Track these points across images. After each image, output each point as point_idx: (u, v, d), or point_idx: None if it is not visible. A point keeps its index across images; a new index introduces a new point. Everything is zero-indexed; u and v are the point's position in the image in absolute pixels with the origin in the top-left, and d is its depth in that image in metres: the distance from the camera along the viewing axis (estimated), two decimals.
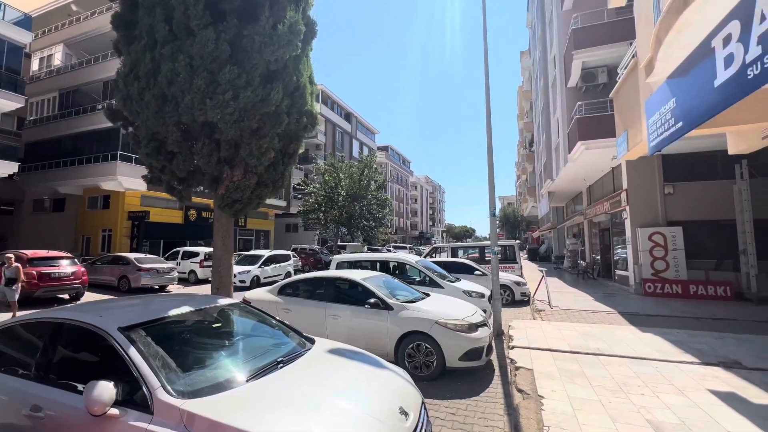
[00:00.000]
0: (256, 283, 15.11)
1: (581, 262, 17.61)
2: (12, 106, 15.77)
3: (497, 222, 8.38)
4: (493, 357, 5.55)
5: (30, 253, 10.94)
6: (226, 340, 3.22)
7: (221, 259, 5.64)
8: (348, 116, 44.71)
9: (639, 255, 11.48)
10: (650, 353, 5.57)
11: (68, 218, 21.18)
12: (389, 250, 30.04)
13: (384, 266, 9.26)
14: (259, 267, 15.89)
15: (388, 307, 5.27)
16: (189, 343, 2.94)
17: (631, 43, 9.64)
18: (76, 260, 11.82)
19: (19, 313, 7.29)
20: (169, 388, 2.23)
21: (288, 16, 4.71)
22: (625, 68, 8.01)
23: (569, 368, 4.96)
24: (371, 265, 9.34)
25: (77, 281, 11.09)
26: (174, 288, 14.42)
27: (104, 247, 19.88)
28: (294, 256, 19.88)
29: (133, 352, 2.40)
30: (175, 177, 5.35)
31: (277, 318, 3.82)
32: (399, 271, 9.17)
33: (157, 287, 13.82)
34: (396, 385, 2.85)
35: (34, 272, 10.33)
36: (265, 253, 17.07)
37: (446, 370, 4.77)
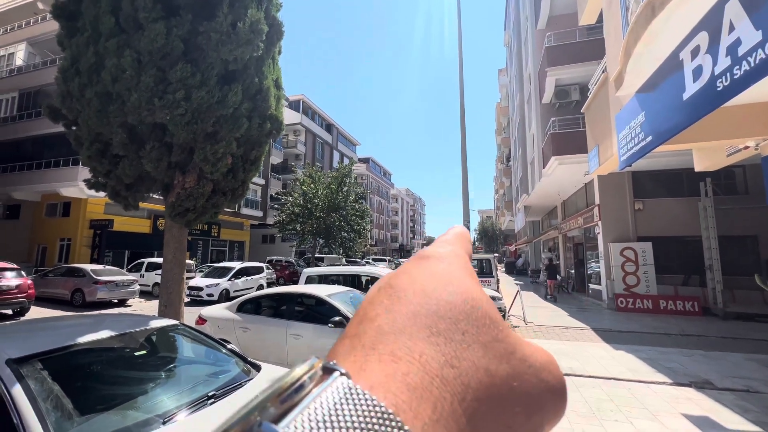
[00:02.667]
0: (225, 297, 14.35)
1: (558, 276, 17.73)
2: None
3: (474, 235, 8.21)
4: None
5: None
6: (149, 372, 2.77)
7: (170, 273, 5.13)
8: (329, 127, 44.52)
9: (611, 270, 11.57)
10: (623, 373, 5.41)
11: (23, 226, 19.75)
12: (368, 263, 29.59)
13: (356, 280, 8.90)
14: (229, 280, 15.13)
15: None
16: (100, 378, 2.49)
17: (599, 62, 9.90)
18: (22, 272, 10.85)
19: None
20: None
21: (249, 14, 4.42)
22: (595, 84, 8.13)
23: None
24: (343, 279, 8.98)
25: (21, 295, 10.14)
26: (135, 302, 13.51)
27: (62, 258, 18.58)
28: (268, 269, 19.18)
29: (17, 391, 1.96)
30: (121, 183, 4.86)
31: (225, 340, 3.41)
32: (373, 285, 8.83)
33: (115, 301, 12.90)
34: None
35: None
36: (236, 265, 16.34)
37: None
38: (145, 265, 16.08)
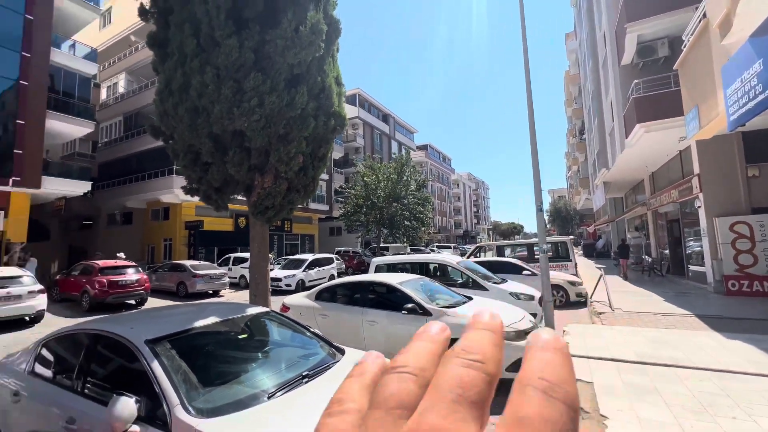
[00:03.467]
0: (301, 286, 15.44)
1: (646, 257, 15.90)
2: (84, 132, 17.59)
3: (546, 217, 7.71)
4: None
5: (101, 263, 12.04)
6: (251, 353, 3.13)
7: (257, 267, 5.69)
8: (386, 117, 44.75)
9: (719, 248, 10.03)
10: (740, 365, 4.71)
11: (135, 230, 23.26)
12: (432, 251, 29.47)
13: (424, 268, 8.94)
14: (304, 271, 16.23)
15: (426, 312, 4.98)
16: (213, 356, 2.88)
17: (696, 8, 8.45)
18: (140, 268, 12.82)
19: (82, 320, 7.91)
20: (188, 405, 2.14)
21: (309, 16, 4.62)
22: (692, 34, 6.97)
23: (637, 382, 4.32)
24: (411, 267, 9.07)
25: (141, 288, 12.01)
26: (226, 292, 15.16)
27: (166, 255, 21.53)
28: (337, 259, 20.13)
29: (156, 365, 2.36)
30: (211, 187, 5.49)
31: (308, 326, 3.69)
32: (440, 273, 8.80)
33: (211, 292, 14.61)
34: None
35: (105, 280, 11.32)
36: (309, 257, 17.44)
37: None
38: (231, 259, 17.93)
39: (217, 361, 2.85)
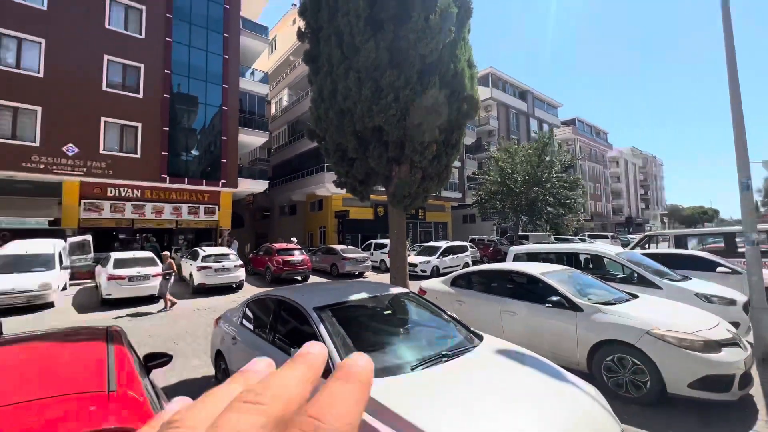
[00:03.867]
0: (435, 272, 15.85)
1: None
2: (262, 141, 22.17)
3: (758, 198, 5.78)
4: (755, 391, 3.86)
5: (277, 245, 15.03)
6: (394, 327, 3.44)
7: (396, 252, 6.14)
8: (523, 94, 40.99)
9: None
10: None
11: (299, 219, 28.06)
12: (583, 240, 25.83)
13: (572, 259, 7.97)
14: (438, 258, 16.60)
15: (576, 307, 4.47)
16: (363, 326, 3.29)
17: None
18: (303, 251, 15.46)
19: (268, 289, 9.93)
20: None
21: (439, 3, 4.61)
22: None
23: None
24: (556, 257, 8.21)
25: (304, 267, 14.49)
26: (369, 274, 16.84)
27: (321, 240, 25.27)
28: (471, 247, 19.82)
29: (322, 328, 2.86)
30: (356, 179, 6.18)
31: (445, 309, 3.81)
32: (594, 265, 7.68)
33: (357, 273, 16.47)
34: (581, 405, 2.32)
35: (280, 260, 14.08)
36: (443, 244, 17.72)
37: (667, 396, 3.62)
38: (372, 245, 19.75)
39: (366, 330, 3.25)
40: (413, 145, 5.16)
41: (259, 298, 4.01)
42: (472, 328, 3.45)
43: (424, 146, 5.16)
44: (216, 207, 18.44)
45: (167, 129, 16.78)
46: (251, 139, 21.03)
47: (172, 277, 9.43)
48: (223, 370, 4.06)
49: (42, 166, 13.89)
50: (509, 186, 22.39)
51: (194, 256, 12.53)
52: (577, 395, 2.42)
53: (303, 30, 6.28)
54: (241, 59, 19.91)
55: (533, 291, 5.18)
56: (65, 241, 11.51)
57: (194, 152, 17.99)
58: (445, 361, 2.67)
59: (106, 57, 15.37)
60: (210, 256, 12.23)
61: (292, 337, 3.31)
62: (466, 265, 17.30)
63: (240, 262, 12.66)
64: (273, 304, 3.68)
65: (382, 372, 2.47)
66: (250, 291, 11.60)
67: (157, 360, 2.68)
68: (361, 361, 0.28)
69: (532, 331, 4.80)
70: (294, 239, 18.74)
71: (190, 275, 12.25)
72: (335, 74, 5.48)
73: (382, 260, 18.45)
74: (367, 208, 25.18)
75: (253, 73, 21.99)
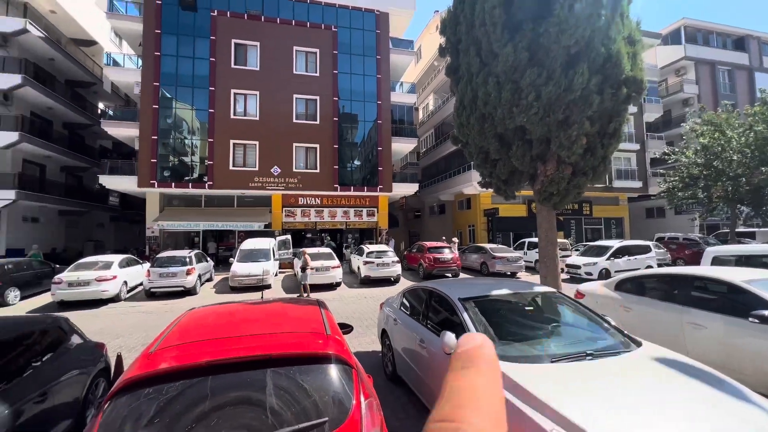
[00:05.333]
0: (604, 276, 13.81)
1: None
2: (411, 147, 23.94)
3: None
4: None
5: (428, 244, 16.08)
6: (535, 322, 3.55)
7: (545, 250, 5.92)
8: (739, 42, 30.59)
9: None
10: None
11: (447, 218, 28.86)
12: None
13: None
14: (608, 259, 14.41)
15: None
16: (504, 318, 3.55)
17: None
18: (452, 249, 16.04)
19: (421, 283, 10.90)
20: None
21: None
22: None
23: None
24: None
25: (454, 264, 15.04)
26: (522, 275, 16.04)
27: (471, 239, 25.32)
28: (657, 247, 16.32)
29: (466, 316, 3.30)
30: (499, 179, 6.27)
31: (598, 313, 3.63)
32: None
33: (508, 273, 15.96)
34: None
35: (431, 257, 15.05)
36: (615, 243, 15.24)
37: None
38: (526, 244, 18.63)
39: (507, 322, 3.50)
40: (559, 140, 4.93)
41: (414, 289, 4.73)
42: (627, 333, 3.22)
43: (572, 140, 4.85)
44: (375, 209, 21.09)
45: (337, 146, 20.27)
46: (402, 147, 23.02)
47: (308, 270, 11.12)
48: (387, 345, 4.96)
49: (260, 185, 19.06)
50: (718, 168, 17.06)
51: (360, 252, 14.80)
52: (760, 419, 2.06)
53: (444, 45, 6.78)
54: (391, 74, 22.11)
55: (734, 301, 4.25)
56: (275, 239, 15.47)
57: (356, 163, 21.13)
58: (589, 359, 2.69)
59: (294, 96, 19.80)
60: (373, 252, 14.23)
61: (440, 322, 3.86)
62: (649, 268, 14.37)
63: (397, 258, 14.22)
64: (425, 294, 4.32)
65: (520, 359, 2.71)
66: (405, 284, 12.93)
67: (343, 328, 3.66)
68: (478, 338, 0.24)
69: (729, 350, 3.96)
70: (455, 239, 19.23)
71: (358, 268, 14.53)
72: (474, 82, 5.75)
73: (537, 260, 17.20)
74: (518, 205, 23.87)
75: (401, 85, 24.01)
